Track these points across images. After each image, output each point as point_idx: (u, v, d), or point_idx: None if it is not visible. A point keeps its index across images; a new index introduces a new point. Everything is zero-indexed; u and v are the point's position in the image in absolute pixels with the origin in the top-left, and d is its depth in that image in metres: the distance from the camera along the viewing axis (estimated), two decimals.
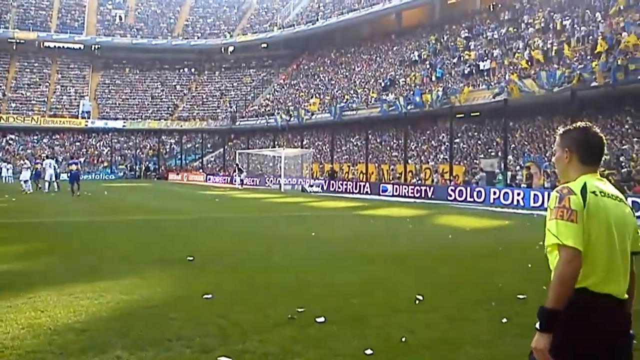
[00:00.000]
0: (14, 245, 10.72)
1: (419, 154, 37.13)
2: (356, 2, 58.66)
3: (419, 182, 31.49)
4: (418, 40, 50.26)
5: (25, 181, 29.00)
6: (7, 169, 44.09)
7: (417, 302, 6.36)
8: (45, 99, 66.54)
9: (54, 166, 30.69)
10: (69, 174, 27.60)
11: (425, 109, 37.35)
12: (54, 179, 29.94)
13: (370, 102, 43.87)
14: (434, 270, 8.72)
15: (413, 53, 47.89)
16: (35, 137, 63.10)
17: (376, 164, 37.24)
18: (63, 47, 73.23)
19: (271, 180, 40.75)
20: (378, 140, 42.45)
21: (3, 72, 68.68)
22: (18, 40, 70.35)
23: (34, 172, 30.71)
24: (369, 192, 31.28)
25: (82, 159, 52.36)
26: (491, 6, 46.72)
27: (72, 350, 4.61)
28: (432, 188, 28.25)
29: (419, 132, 39.85)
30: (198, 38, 73.10)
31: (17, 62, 70.32)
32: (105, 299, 6.29)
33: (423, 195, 27.83)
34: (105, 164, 60.44)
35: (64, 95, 67.88)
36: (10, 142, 61.85)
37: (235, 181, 41.03)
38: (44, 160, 33.96)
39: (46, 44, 72.37)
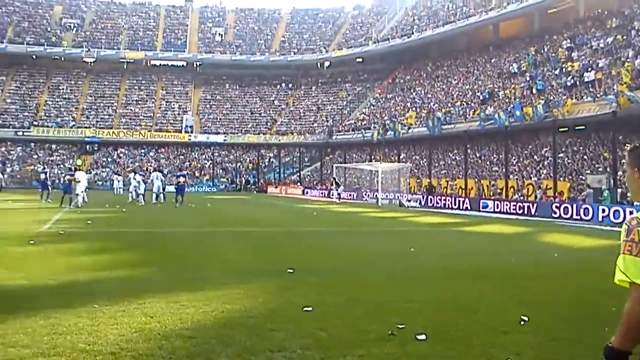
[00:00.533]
0: (125, 254, 11.29)
1: (520, 169, 35.93)
2: (451, 15, 57.90)
3: (521, 198, 30.45)
4: (517, 52, 48.89)
5: (140, 194, 30.17)
6: (119, 181, 46.52)
7: (522, 322, 6.12)
8: (152, 115, 69.97)
9: (161, 178, 31.85)
10: (175, 186, 28.74)
11: (527, 122, 36.15)
12: (161, 190, 31.08)
13: (469, 115, 43.02)
14: (540, 290, 8.35)
15: (512, 65, 46.62)
16: (143, 151, 66.39)
17: (476, 179, 36.38)
18: (168, 64, 77.03)
19: (368, 195, 40.69)
20: (477, 155, 41.46)
21: (115, 90, 72.96)
22: (128, 60, 74.69)
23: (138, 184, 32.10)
24: (469, 207, 30.57)
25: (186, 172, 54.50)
26: (597, 13, 44.64)
27: (179, 356, 4.78)
28: (535, 205, 27.20)
29: (520, 146, 38.59)
30: (295, 54, 74.53)
31: (127, 80, 74.53)
32: (209, 307, 6.47)
33: (526, 212, 26.84)
34: (207, 176, 62.64)
35: (169, 110, 71.12)
36: (121, 155, 65.40)
37: (332, 195, 41.30)
38: (151, 172, 35.28)
39: (152, 62, 76.39)
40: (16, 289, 7.29)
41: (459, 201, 31.88)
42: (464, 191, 35.04)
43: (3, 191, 35.92)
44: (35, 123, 64.84)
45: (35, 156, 63.44)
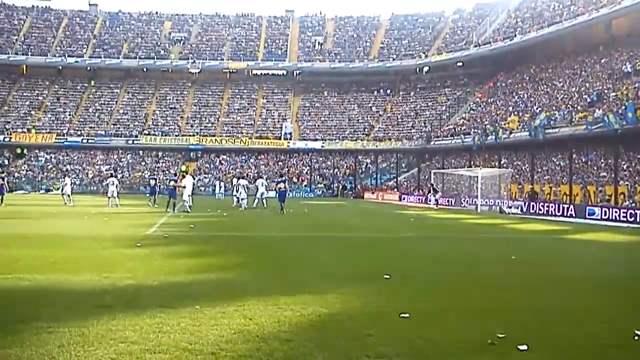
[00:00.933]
0: (225, 257, 11.62)
1: (632, 174, 33.94)
2: (557, 15, 55.59)
3: (633, 205, 28.75)
4: (631, 50, 46.20)
5: (242, 199, 31.04)
6: (220, 187, 48.09)
7: (636, 337, 5.74)
8: (253, 122, 71.89)
9: (265, 184, 32.55)
10: (277, 192, 29.16)
11: None
12: (264, 196, 31.74)
13: (575, 119, 41.14)
14: None
15: (625, 65, 44.16)
16: (244, 157, 68.31)
17: (581, 185, 34.73)
18: (268, 73, 78.97)
19: (467, 201, 39.81)
20: (583, 160, 39.57)
21: (218, 99, 75.68)
22: (231, 70, 77.28)
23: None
24: (574, 214, 29.20)
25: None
26: None
27: (277, 358, 4.85)
28: None
29: (632, 150, 36.45)
30: (393, 60, 74.26)
31: (229, 89, 77.10)
32: (306, 311, 6.53)
33: (638, 219, 25.33)
34: (305, 182, 63.52)
35: (269, 118, 72.82)
36: (223, 162, 67.61)
37: (430, 201, 40.72)
38: (256, 179, 36.14)
39: (254, 71, 78.54)
40: (124, 289, 7.66)
41: (563, 208, 30.52)
42: (568, 197, 33.55)
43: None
44: (144, 132, 68.42)
45: (143, 163, 66.82)
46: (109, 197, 30.31)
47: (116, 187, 30.73)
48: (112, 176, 34.40)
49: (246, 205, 30.51)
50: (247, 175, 56.50)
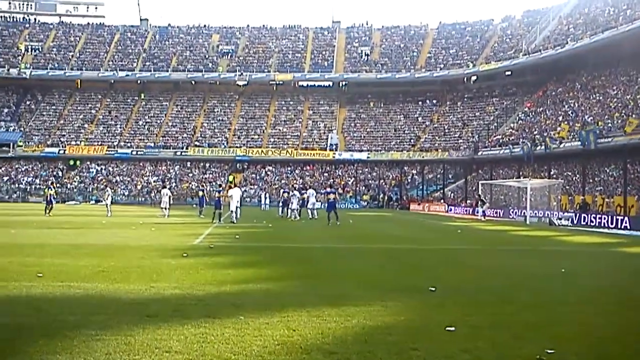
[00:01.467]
0: (269, 268, 11.65)
1: None
2: (612, 20, 54.07)
3: None
4: None
5: (293, 210, 31.29)
6: (266, 198, 48.46)
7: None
8: (298, 134, 72.31)
9: (314, 195, 32.79)
10: (326, 203, 28.98)
11: None
12: (315, 206, 31.87)
13: (630, 127, 39.92)
14: None
15: None
16: (289, 168, 68.71)
17: (636, 196, 33.66)
18: (315, 85, 79.37)
19: (515, 212, 39.05)
20: (639, 170, 38.37)
21: (265, 111, 76.46)
22: (278, 82, 78.02)
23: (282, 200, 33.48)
24: (628, 227, 28.30)
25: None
26: None
27: None
28: None
29: None
30: (441, 69, 73.67)
31: (276, 101, 77.80)
32: (350, 323, 6.47)
33: None
34: (351, 193, 63.42)
35: (315, 129, 73.12)
36: (269, 172, 68.17)
37: (477, 212, 40.12)
38: (306, 190, 36.23)
39: (300, 83, 79.08)
40: (170, 298, 7.76)
41: (617, 220, 29.60)
42: (622, 209, 32.54)
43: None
44: (192, 144, 69.62)
45: (191, 174, 67.91)
46: (162, 208, 30.92)
47: (169, 198, 31.39)
48: (164, 187, 35.14)
49: (299, 215, 30.67)
50: (293, 186, 56.74)
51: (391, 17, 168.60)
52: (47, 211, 31.31)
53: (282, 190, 38.92)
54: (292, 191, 33.85)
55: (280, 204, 35.60)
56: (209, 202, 34.59)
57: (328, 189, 30.58)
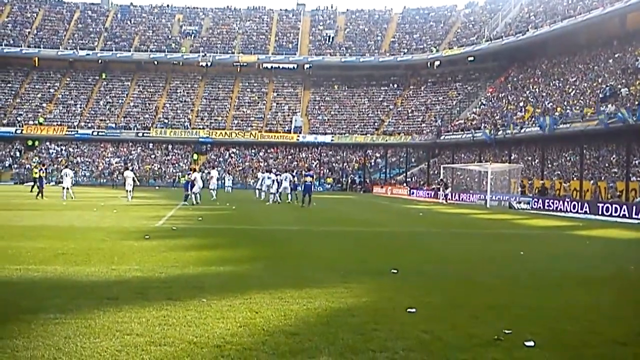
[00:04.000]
0: (232, 250, 11.64)
1: None
2: (571, 9, 55.05)
3: None
4: None
5: (272, 193, 30.69)
6: (229, 180, 48.13)
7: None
8: (262, 116, 71.94)
9: (290, 179, 31.83)
10: (302, 186, 28.90)
11: None
12: (289, 191, 31.24)
13: (587, 114, 40.81)
14: None
15: (639, 59, 43.71)
16: (253, 151, 68.40)
17: (592, 181, 34.51)
18: (279, 67, 79.08)
19: (476, 196, 39.69)
20: (594, 155, 39.30)
21: (229, 93, 75.81)
22: (242, 64, 77.35)
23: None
24: (584, 211, 29.04)
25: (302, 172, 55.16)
26: None
27: (282, 352, 4.83)
28: None
29: None
30: (404, 54, 74.00)
31: (240, 82, 77.15)
32: (313, 305, 6.52)
33: None
34: (314, 176, 63.48)
35: (279, 112, 72.84)
36: (232, 155, 67.74)
37: (439, 196, 40.63)
38: (281, 173, 35.09)
39: (264, 65, 78.56)
40: (131, 281, 7.69)
41: (574, 204, 30.35)
42: (578, 193, 33.36)
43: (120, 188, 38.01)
44: (154, 125, 68.66)
45: (153, 156, 67.06)
46: (127, 190, 29.44)
47: (133, 179, 29.92)
48: (127, 169, 33.72)
49: (279, 199, 30.63)
50: (264, 169, 56.52)
51: (355, 0, 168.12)
52: (39, 194, 29.34)
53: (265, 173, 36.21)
54: (269, 173, 33.25)
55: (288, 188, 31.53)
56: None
57: (305, 172, 30.34)
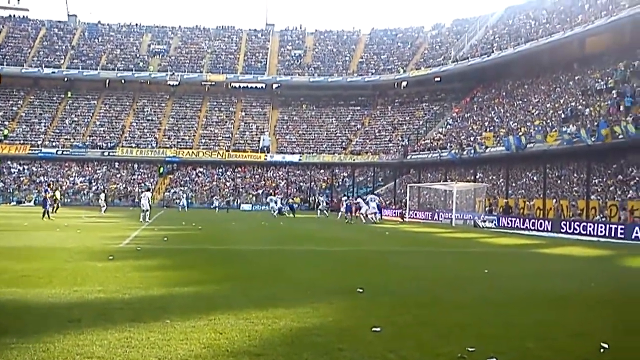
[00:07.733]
0: (198, 270, 11.51)
1: (603, 190, 34.45)
2: (534, 32, 56.45)
3: (603, 219, 29.14)
4: (604, 68, 46.99)
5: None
6: (187, 199, 47.60)
7: (602, 350, 5.80)
8: (230, 135, 71.70)
9: (276, 200, 37.53)
10: (289, 206, 32.46)
11: (612, 141, 34.65)
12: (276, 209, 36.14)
13: (549, 134, 41.66)
14: (622, 316, 7.94)
15: (598, 82, 44.90)
16: (220, 170, 68.00)
17: (554, 199, 35.15)
18: (247, 87, 79.15)
19: (442, 215, 40.06)
20: (557, 174, 40.08)
21: (196, 112, 75.43)
22: (210, 83, 77.20)
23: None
24: (547, 229, 29.54)
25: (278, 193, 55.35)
26: None
27: None
28: (621, 227, 25.96)
29: (603, 165, 37.02)
30: (372, 74, 74.68)
31: (208, 102, 76.90)
32: (278, 325, 6.49)
33: (608, 234, 25.68)
34: (281, 195, 63.33)
35: (247, 131, 72.69)
36: (199, 174, 67.24)
37: (404, 215, 41.01)
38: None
39: (232, 84, 78.55)
40: (93, 302, 7.56)
41: (537, 222, 30.84)
42: (542, 212, 33.93)
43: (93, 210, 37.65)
44: (120, 144, 67.86)
45: (119, 175, 66.19)
46: (143, 210, 29.01)
47: (104, 200, 30.61)
48: (148, 190, 34.26)
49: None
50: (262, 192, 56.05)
51: (324, 21, 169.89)
52: (45, 215, 29.01)
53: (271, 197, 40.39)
54: (274, 196, 38.83)
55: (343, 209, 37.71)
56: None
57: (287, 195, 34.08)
